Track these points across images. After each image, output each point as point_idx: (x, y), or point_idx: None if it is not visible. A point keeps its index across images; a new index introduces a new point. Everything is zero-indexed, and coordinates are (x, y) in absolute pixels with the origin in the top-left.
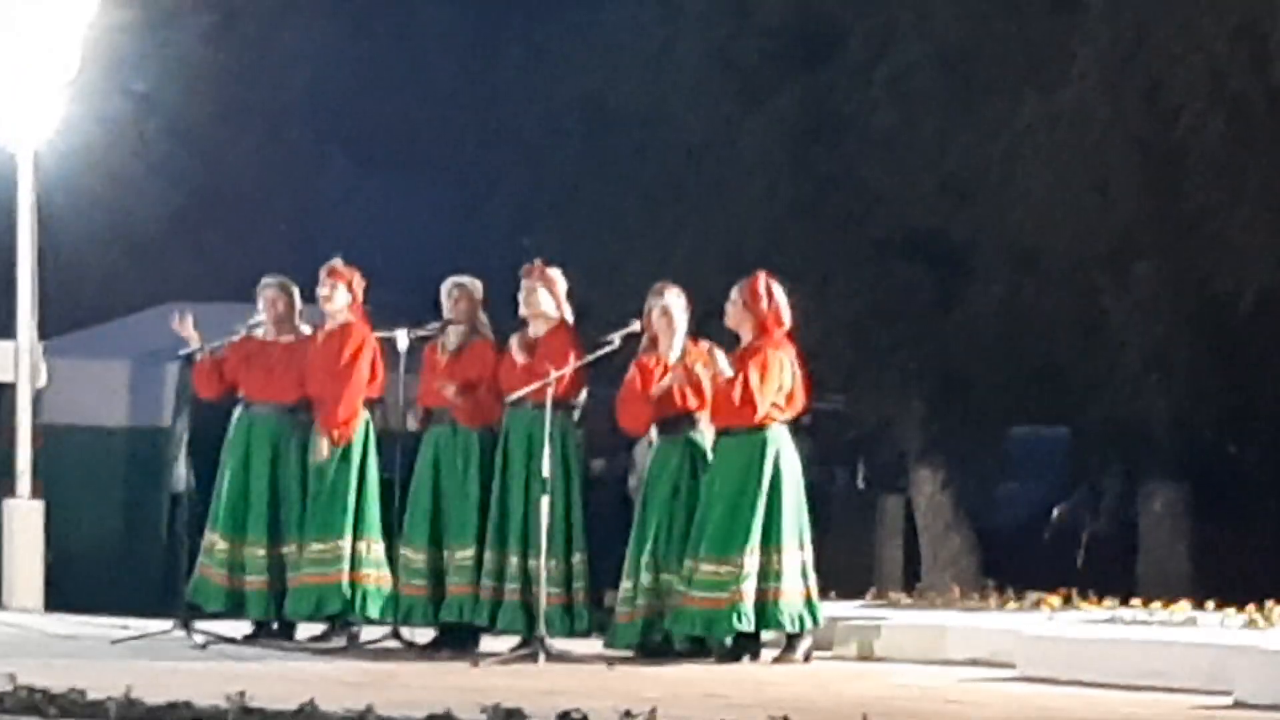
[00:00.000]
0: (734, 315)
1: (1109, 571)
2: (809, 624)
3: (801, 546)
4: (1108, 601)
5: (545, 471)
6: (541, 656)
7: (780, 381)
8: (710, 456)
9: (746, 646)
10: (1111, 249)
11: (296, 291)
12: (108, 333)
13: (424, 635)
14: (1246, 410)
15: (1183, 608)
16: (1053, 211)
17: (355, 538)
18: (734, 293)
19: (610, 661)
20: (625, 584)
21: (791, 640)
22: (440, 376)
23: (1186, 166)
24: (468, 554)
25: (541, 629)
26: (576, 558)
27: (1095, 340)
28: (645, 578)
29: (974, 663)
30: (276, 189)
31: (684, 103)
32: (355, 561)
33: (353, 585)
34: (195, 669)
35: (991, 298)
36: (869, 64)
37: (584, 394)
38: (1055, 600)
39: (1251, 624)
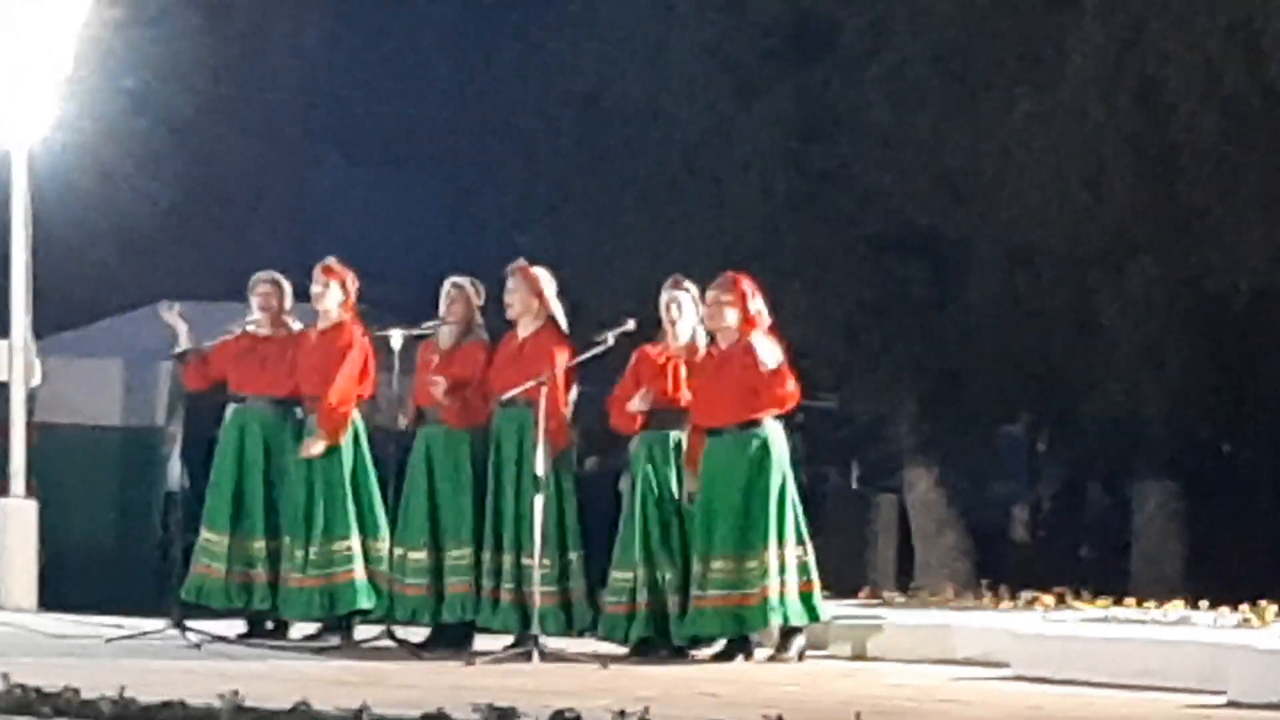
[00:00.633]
0: (714, 315)
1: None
2: (804, 619)
3: (800, 542)
4: (1102, 601)
5: (539, 470)
6: (535, 655)
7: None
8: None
9: (740, 646)
10: (1105, 247)
11: (289, 288)
12: (102, 331)
13: (418, 634)
14: (1240, 408)
15: (1176, 607)
16: (1047, 209)
17: (364, 536)
18: (714, 293)
19: (604, 661)
20: (617, 575)
21: (785, 638)
22: (436, 376)
23: (1180, 164)
24: (464, 553)
25: (535, 628)
26: (572, 556)
27: (1089, 338)
28: (641, 572)
29: (968, 662)
30: (270, 186)
31: (679, 100)
32: (370, 559)
33: (372, 584)
34: (189, 668)
35: (985, 295)
36: (863, 61)
37: (574, 392)
38: (1049, 599)
39: (1245, 623)
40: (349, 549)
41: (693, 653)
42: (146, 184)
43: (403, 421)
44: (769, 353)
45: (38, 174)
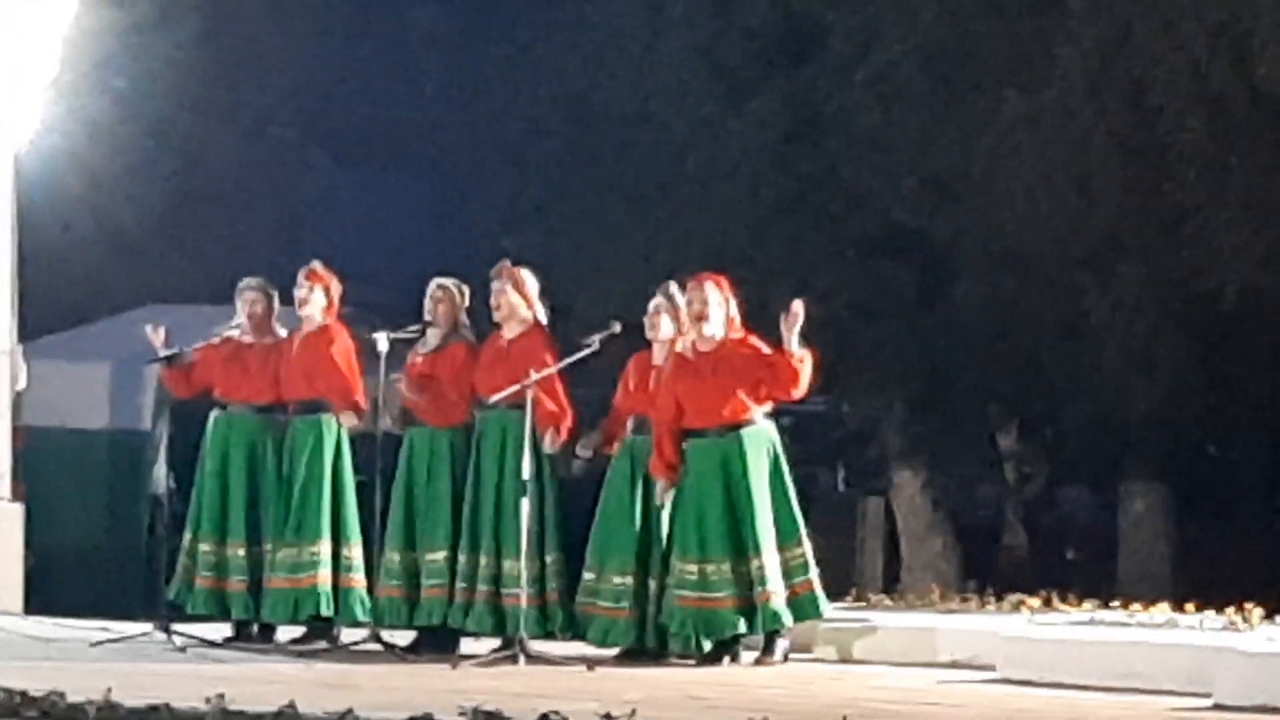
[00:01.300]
0: (700, 315)
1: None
2: (789, 621)
3: (800, 542)
4: (1088, 603)
5: (525, 473)
6: (521, 658)
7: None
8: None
9: (727, 648)
10: (1093, 248)
11: (276, 295)
12: (89, 335)
13: (404, 637)
14: (1228, 410)
15: (1163, 609)
16: (1035, 211)
17: (336, 542)
18: (695, 295)
19: (590, 663)
20: (617, 580)
21: (770, 640)
22: (412, 377)
23: (1168, 166)
24: (439, 556)
25: (521, 630)
26: (550, 558)
27: (1077, 339)
28: (631, 578)
29: (954, 664)
30: (259, 189)
31: (667, 102)
32: (339, 565)
33: (335, 589)
34: (175, 671)
35: (973, 297)
36: (851, 63)
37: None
38: (1035, 602)
39: (1232, 626)
40: (317, 554)
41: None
42: (134, 187)
43: (389, 425)
44: (788, 334)
45: (25, 177)
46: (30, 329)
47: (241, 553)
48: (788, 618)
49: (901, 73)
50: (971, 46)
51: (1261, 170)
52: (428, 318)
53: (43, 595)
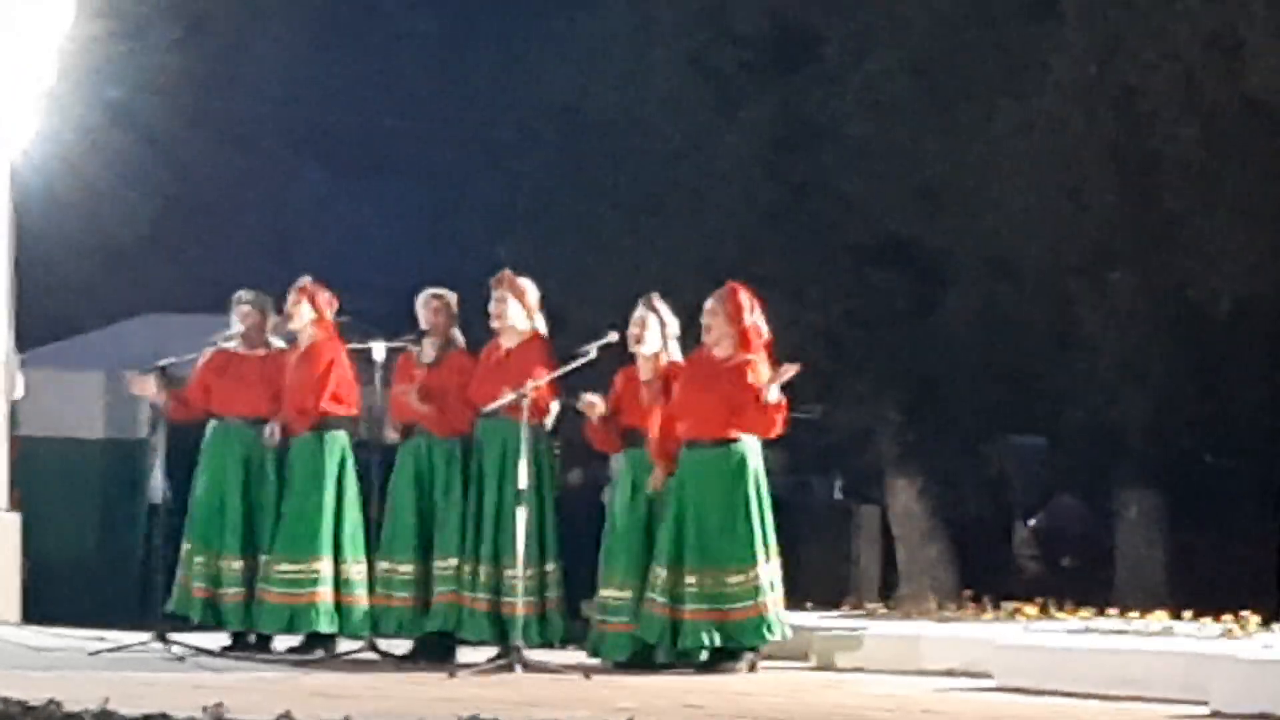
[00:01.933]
0: (715, 329)
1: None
2: (774, 637)
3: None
4: (1084, 611)
5: (521, 483)
6: (518, 667)
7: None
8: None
9: (723, 659)
10: (1086, 256)
11: (271, 308)
12: (84, 344)
13: (401, 647)
14: (1222, 417)
15: (1159, 617)
16: (1027, 219)
17: (338, 560)
18: (712, 304)
19: (587, 672)
20: (615, 594)
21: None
22: (420, 387)
23: (1161, 174)
24: (451, 564)
25: (519, 639)
26: (549, 567)
27: (1070, 348)
28: (632, 590)
29: (950, 673)
30: (251, 198)
31: (659, 111)
32: (340, 583)
33: (339, 606)
34: (172, 680)
35: (967, 305)
36: (844, 72)
37: (557, 404)
38: (1032, 610)
39: (1228, 633)
40: (317, 570)
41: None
42: (128, 197)
43: (393, 436)
44: (768, 382)
45: (19, 187)
46: (25, 339)
47: (237, 565)
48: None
49: (893, 81)
50: (963, 55)
51: (1253, 178)
52: (425, 327)
53: (40, 604)
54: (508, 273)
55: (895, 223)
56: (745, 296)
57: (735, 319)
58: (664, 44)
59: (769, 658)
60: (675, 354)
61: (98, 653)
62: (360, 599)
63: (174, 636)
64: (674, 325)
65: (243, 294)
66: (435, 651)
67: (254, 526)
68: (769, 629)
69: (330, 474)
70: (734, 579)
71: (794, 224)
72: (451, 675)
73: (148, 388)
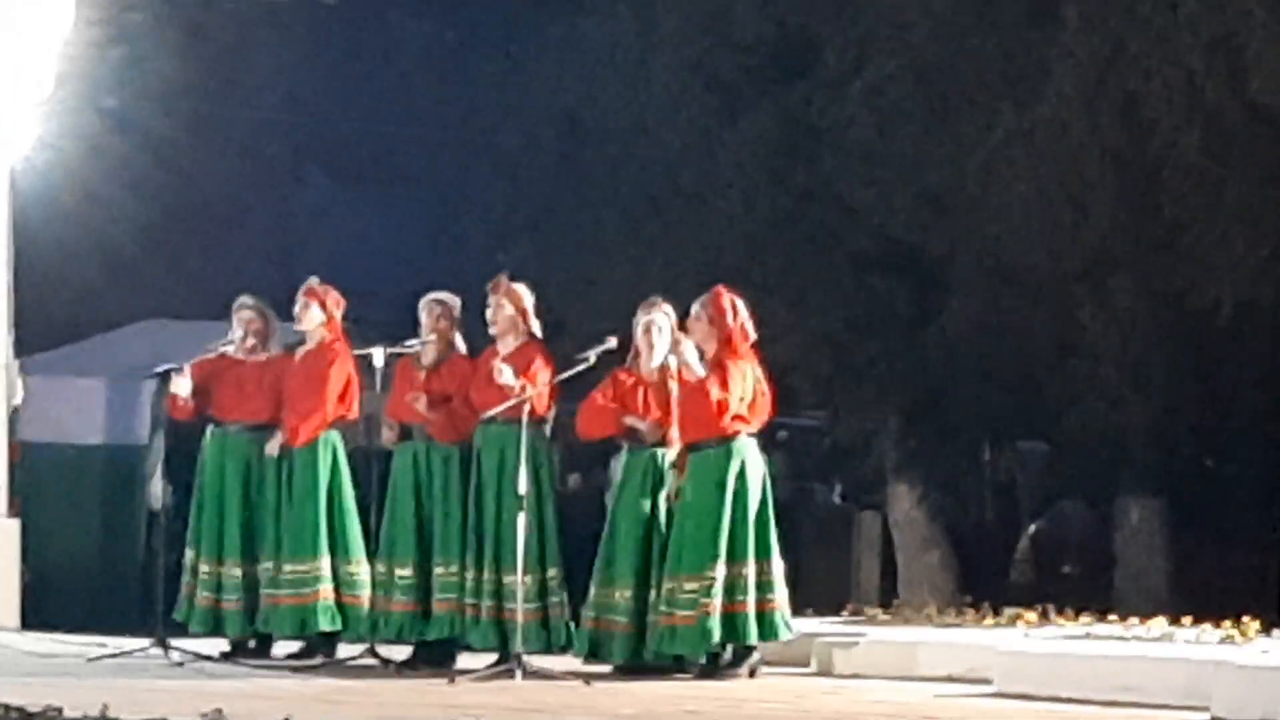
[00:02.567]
0: (699, 331)
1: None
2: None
3: (766, 560)
4: (1084, 617)
5: (521, 488)
6: (518, 673)
7: (742, 391)
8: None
9: (721, 662)
10: (1088, 262)
11: (272, 314)
12: (84, 350)
13: (401, 653)
14: (1223, 424)
15: (1159, 623)
16: (1029, 225)
17: (337, 558)
18: (696, 308)
19: (587, 678)
20: (599, 591)
21: (737, 655)
22: (417, 391)
23: (1163, 180)
24: (452, 570)
25: (519, 645)
26: (550, 573)
27: (1072, 354)
28: (626, 591)
29: (950, 679)
30: (253, 205)
31: (661, 117)
32: (340, 582)
33: (340, 606)
34: (172, 687)
35: (968, 311)
36: (845, 78)
37: (553, 409)
38: (1032, 616)
39: (1228, 639)
40: (318, 570)
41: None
42: (129, 203)
43: (389, 438)
44: (698, 364)
45: (19, 193)
46: (26, 345)
47: (237, 572)
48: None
49: (896, 87)
50: (965, 61)
51: (1256, 184)
52: (426, 332)
53: (39, 610)
54: (503, 278)
55: (897, 229)
56: (729, 299)
57: (719, 322)
58: (666, 51)
59: (769, 663)
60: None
61: (98, 659)
62: (361, 599)
63: (174, 642)
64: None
65: (244, 300)
66: (436, 657)
67: (254, 533)
68: (710, 633)
69: (326, 474)
70: (697, 583)
71: (795, 230)
72: (452, 681)
73: (184, 385)
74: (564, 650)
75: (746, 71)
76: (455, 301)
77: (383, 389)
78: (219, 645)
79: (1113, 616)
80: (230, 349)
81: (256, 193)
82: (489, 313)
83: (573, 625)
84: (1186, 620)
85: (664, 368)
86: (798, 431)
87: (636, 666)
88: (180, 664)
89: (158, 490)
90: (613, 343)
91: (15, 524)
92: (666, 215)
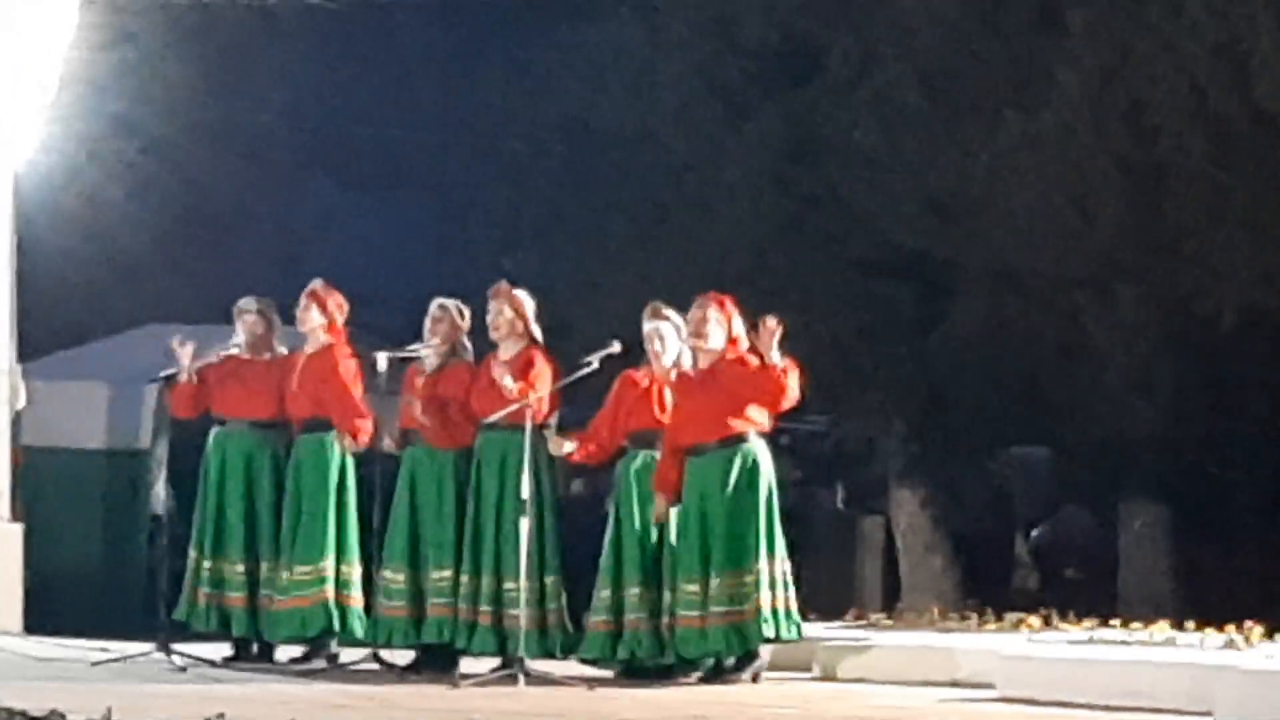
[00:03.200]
0: (712, 333)
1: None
2: (793, 635)
3: (785, 558)
4: (1088, 622)
5: (524, 493)
6: (521, 678)
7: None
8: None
9: (726, 667)
10: (1093, 268)
11: (276, 316)
12: (87, 354)
13: (404, 657)
14: (1228, 430)
15: (1163, 628)
16: (1034, 231)
17: (339, 560)
18: (700, 311)
19: (590, 683)
20: (602, 594)
21: (741, 659)
22: (415, 397)
23: (1168, 186)
24: (445, 575)
25: (521, 650)
26: (550, 579)
27: (1077, 360)
28: (631, 592)
29: (954, 683)
30: (258, 209)
31: (666, 123)
32: (340, 584)
33: (340, 607)
34: (175, 691)
35: (973, 317)
36: (851, 84)
37: (556, 415)
38: (1035, 620)
39: (1232, 644)
40: (322, 572)
41: (681, 675)
42: (132, 207)
43: (389, 445)
44: (764, 348)
45: (22, 197)
46: (29, 349)
47: (240, 569)
48: (784, 627)
49: (901, 93)
50: (971, 67)
51: (1261, 190)
52: (428, 337)
53: (42, 615)
54: (504, 284)
55: (902, 234)
56: (730, 304)
57: (726, 324)
58: (672, 57)
59: (773, 668)
60: (687, 354)
61: (100, 663)
62: (354, 600)
63: (177, 647)
64: (684, 327)
65: (247, 302)
66: (438, 662)
67: (255, 530)
68: (765, 625)
69: (334, 476)
70: (745, 579)
71: (801, 236)
72: (454, 686)
73: (186, 354)
74: (565, 656)
75: (752, 77)
76: (460, 307)
77: (385, 393)
78: (222, 650)
79: (1116, 621)
80: (235, 351)
81: (261, 197)
82: (490, 318)
83: (571, 630)
84: (1190, 625)
85: (679, 369)
86: (802, 436)
87: (640, 670)
88: (183, 668)
89: (161, 494)
90: (616, 347)
91: (18, 528)
92: (672, 220)
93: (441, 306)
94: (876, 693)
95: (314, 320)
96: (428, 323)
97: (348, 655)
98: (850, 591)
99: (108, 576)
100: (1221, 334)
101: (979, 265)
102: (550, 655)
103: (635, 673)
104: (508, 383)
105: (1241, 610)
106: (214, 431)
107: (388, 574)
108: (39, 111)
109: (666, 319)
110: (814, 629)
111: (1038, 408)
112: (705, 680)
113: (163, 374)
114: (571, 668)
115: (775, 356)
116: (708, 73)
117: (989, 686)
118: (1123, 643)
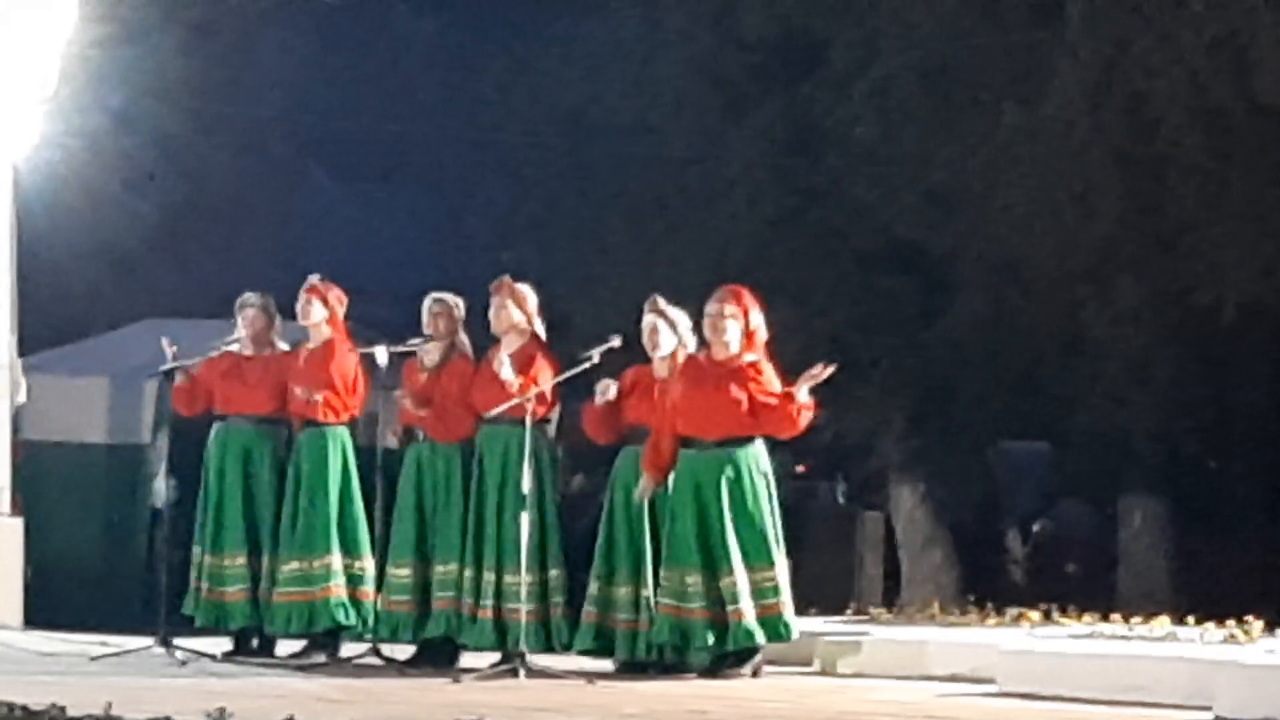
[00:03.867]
0: (730, 329)
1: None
2: (761, 639)
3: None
4: (1088, 616)
5: (525, 487)
6: (522, 672)
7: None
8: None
9: (726, 662)
10: (1092, 261)
11: (276, 311)
12: (88, 349)
13: (404, 652)
14: (1227, 423)
15: (1163, 622)
16: (1034, 224)
17: (346, 555)
18: (718, 306)
19: (591, 677)
20: (595, 587)
21: (740, 656)
22: (415, 392)
23: (1167, 179)
24: (451, 569)
25: (522, 645)
26: (552, 573)
27: (1077, 353)
28: (600, 585)
29: (954, 678)
30: (257, 203)
31: (666, 116)
32: (350, 578)
33: (355, 602)
34: (175, 685)
35: (973, 310)
36: (850, 77)
37: (558, 409)
38: (1035, 615)
39: (1231, 639)
40: (328, 565)
41: (681, 670)
42: (132, 201)
43: (392, 441)
44: (801, 382)
45: (23, 191)
46: (29, 343)
47: (241, 563)
48: (760, 636)
49: (900, 86)
50: (970, 60)
51: (1260, 183)
52: (427, 332)
53: (42, 609)
54: (506, 278)
55: (902, 228)
56: (749, 297)
57: (744, 319)
58: (671, 50)
59: (773, 662)
60: (692, 345)
61: (100, 657)
62: (365, 595)
63: (177, 641)
64: (684, 320)
65: (248, 297)
66: (439, 657)
67: (255, 524)
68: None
69: (335, 470)
70: (713, 582)
71: (800, 229)
72: (455, 680)
73: (171, 355)
74: (566, 650)
75: (751, 70)
76: (458, 302)
77: (386, 387)
78: (222, 644)
79: (1116, 616)
80: (236, 347)
81: (260, 191)
82: (492, 313)
83: (573, 625)
84: (1190, 620)
85: (674, 363)
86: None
87: (639, 664)
88: (183, 662)
89: (161, 488)
90: (616, 341)
91: (18, 522)
92: (671, 214)
93: (439, 300)
94: (876, 687)
95: (316, 314)
96: (426, 317)
97: (349, 650)
98: (850, 586)
99: (108, 571)
100: (1221, 327)
101: (978, 258)
102: (553, 649)
103: (635, 667)
104: (509, 377)
105: (1241, 604)
106: (215, 427)
107: (393, 569)
108: (39, 106)
109: (663, 314)
110: (814, 623)
111: (1037, 401)
112: (705, 675)
113: (162, 368)
114: (573, 662)
115: (804, 394)
116: (707, 66)
117: (989, 681)
118: (1123, 637)
